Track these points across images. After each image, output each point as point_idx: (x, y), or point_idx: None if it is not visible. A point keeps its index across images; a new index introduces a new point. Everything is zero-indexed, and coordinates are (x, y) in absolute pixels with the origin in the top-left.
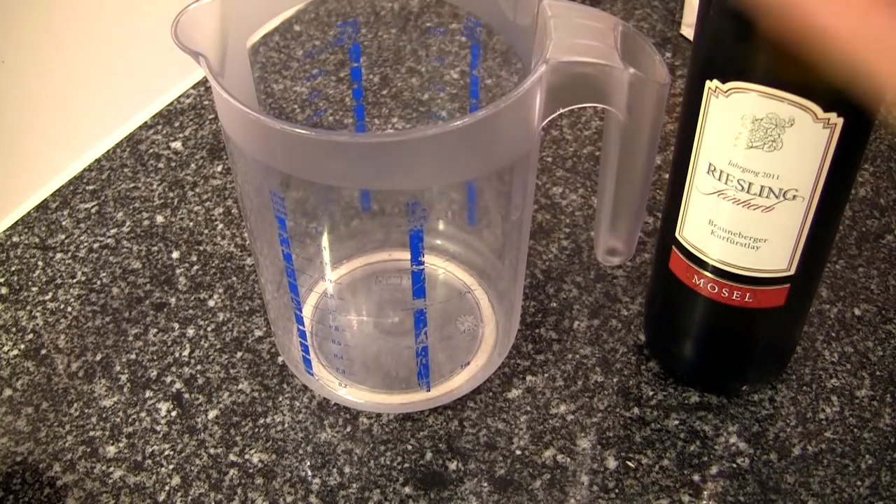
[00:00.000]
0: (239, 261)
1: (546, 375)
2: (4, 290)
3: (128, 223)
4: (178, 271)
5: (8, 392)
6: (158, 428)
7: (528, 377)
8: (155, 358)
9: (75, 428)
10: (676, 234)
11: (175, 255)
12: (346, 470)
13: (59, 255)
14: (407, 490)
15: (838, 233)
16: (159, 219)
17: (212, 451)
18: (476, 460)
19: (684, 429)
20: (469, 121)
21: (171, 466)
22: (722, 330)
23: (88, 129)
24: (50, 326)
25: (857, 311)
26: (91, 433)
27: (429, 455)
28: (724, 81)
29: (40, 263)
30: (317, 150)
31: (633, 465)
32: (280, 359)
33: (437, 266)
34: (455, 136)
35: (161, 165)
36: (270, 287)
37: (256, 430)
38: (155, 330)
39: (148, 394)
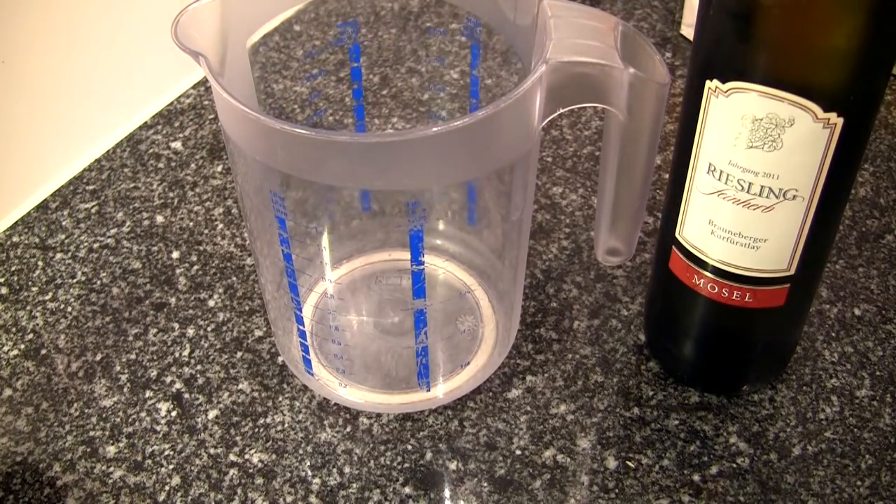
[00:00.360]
0: (239, 261)
1: (546, 375)
2: (4, 290)
3: (128, 223)
4: (178, 271)
5: (8, 392)
6: (158, 428)
7: (528, 377)
8: (155, 358)
9: (75, 428)
10: (676, 234)
11: (175, 255)
12: (346, 470)
13: (59, 255)
14: (407, 490)
15: (838, 233)
16: (159, 219)
17: (212, 451)
18: (476, 460)
19: (684, 429)
20: (469, 121)
21: (171, 466)
22: (722, 330)
23: (88, 129)
24: (50, 326)
25: (857, 311)
26: (91, 433)
27: (429, 455)
28: (724, 81)
29: (40, 263)
30: (317, 150)
31: (633, 465)
32: (280, 359)
33: (437, 266)
34: (455, 136)
35: (161, 165)
36: (270, 287)
37: (256, 430)
38: (155, 330)
39: (148, 394)
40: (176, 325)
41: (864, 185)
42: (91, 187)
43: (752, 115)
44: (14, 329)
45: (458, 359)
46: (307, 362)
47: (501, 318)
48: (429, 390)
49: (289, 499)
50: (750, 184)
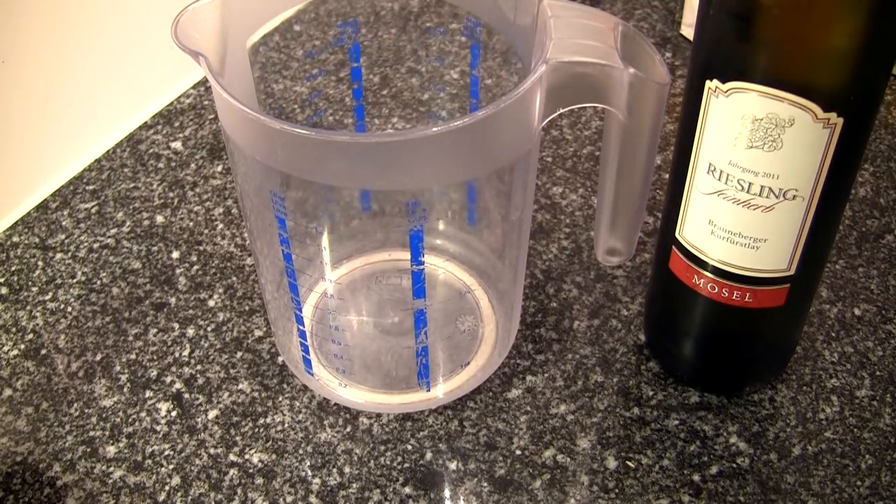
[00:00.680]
0: (239, 261)
1: (546, 375)
2: (4, 290)
3: (128, 223)
4: (178, 271)
5: (8, 392)
6: (158, 428)
7: (528, 377)
8: (155, 358)
9: (75, 428)
10: (676, 234)
11: (175, 255)
12: (346, 470)
13: (59, 255)
14: (407, 490)
15: (838, 233)
16: (159, 219)
17: (212, 451)
18: (476, 460)
19: (684, 429)
20: (469, 121)
21: (171, 466)
22: (722, 330)
23: (88, 129)
24: (50, 326)
25: (857, 311)
26: (91, 433)
27: (429, 455)
28: (724, 81)
29: (40, 263)
30: (317, 150)
31: (633, 465)
32: (280, 359)
33: (437, 266)
34: (455, 136)
35: (161, 165)
36: (270, 287)
37: (256, 430)
38: (155, 330)
39: (148, 394)
40: (176, 325)
41: (864, 185)
42: (91, 187)
43: (752, 115)
44: (14, 329)
45: (458, 359)
46: (307, 362)
47: (501, 318)
48: (429, 390)
49: (289, 499)
50: (750, 184)
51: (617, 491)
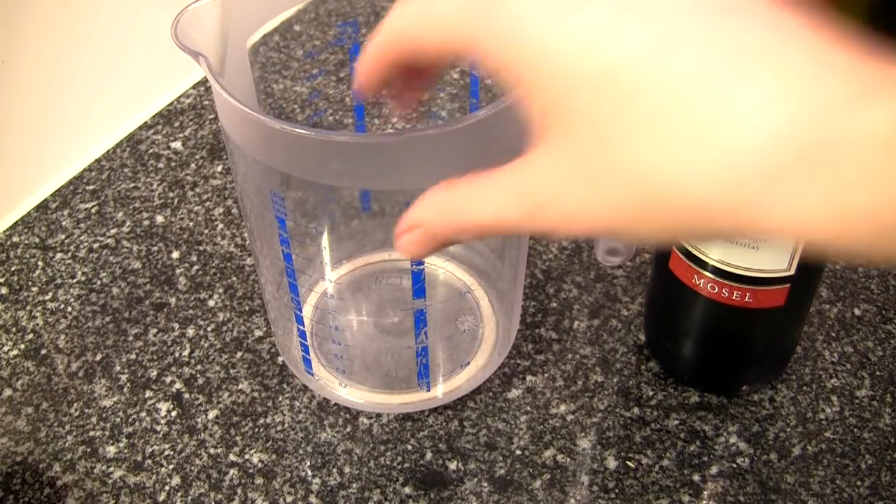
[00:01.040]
0: (239, 261)
1: (546, 375)
2: (4, 290)
3: (128, 223)
4: (178, 271)
5: (8, 392)
6: (158, 428)
7: (528, 377)
8: (155, 358)
9: (75, 428)
10: None
11: (175, 255)
12: (346, 470)
13: (59, 255)
14: (407, 490)
15: None
16: (159, 219)
17: (212, 451)
18: (476, 460)
19: (684, 429)
20: (469, 121)
21: (171, 466)
22: (722, 330)
23: (88, 129)
24: (50, 326)
25: (857, 311)
26: (91, 433)
27: (429, 455)
28: None
29: (40, 263)
30: (317, 150)
31: (633, 465)
32: (280, 359)
33: (437, 266)
34: (455, 136)
35: (161, 165)
36: (270, 287)
37: (256, 430)
38: (155, 330)
39: (148, 394)
40: (176, 325)
41: None
42: (91, 187)
43: None
44: (14, 329)
45: (457, 359)
46: (307, 362)
47: (501, 318)
48: (429, 390)
49: (289, 499)
50: None
51: (617, 491)
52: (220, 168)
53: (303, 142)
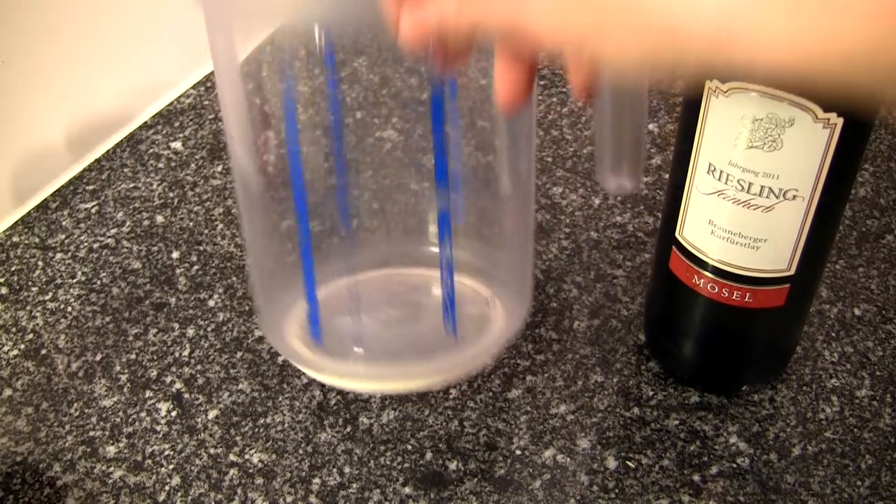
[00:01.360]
0: (239, 261)
1: (546, 375)
2: (4, 290)
3: (128, 223)
4: (178, 271)
5: (8, 392)
6: (158, 428)
7: (528, 377)
8: (155, 358)
9: (75, 428)
10: (676, 234)
11: (175, 255)
12: (346, 470)
13: (59, 255)
14: (407, 490)
15: (838, 233)
16: (159, 219)
17: (212, 451)
18: (476, 460)
19: (684, 429)
20: None
21: (171, 466)
22: (722, 330)
23: (88, 129)
24: (50, 326)
25: (857, 311)
26: (91, 433)
27: (429, 455)
28: (724, 81)
29: (40, 263)
30: None
31: (633, 465)
32: (280, 359)
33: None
34: None
35: (161, 165)
36: (265, 244)
37: (256, 430)
38: (155, 330)
39: (148, 394)
40: (176, 325)
41: (864, 185)
42: (91, 187)
43: (752, 115)
44: (14, 329)
45: (480, 303)
46: (315, 326)
47: (514, 284)
48: (457, 338)
49: (289, 499)
50: (750, 184)
51: (617, 491)
52: (220, 168)
53: None
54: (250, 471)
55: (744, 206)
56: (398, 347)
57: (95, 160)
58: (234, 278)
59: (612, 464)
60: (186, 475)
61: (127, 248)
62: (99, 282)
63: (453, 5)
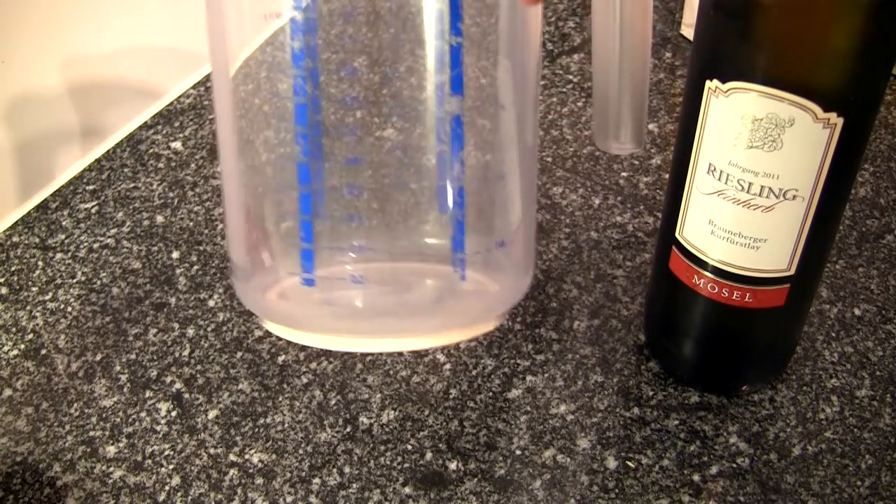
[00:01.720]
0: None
1: (546, 375)
2: (4, 290)
3: (128, 223)
4: (178, 271)
5: (8, 392)
6: (158, 428)
7: (528, 377)
8: (155, 358)
9: (75, 428)
10: (676, 234)
11: (175, 255)
12: (346, 470)
13: (59, 255)
14: (407, 490)
15: (838, 233)
16: (159, 219)
17: (212, 451)
18: (476, 460)
19: (684, 429)
20: None
21: (171, 466)
22: (722, 330)
23: (88, 129)
24: (50, 326)
25: (857, 311)
26: (91, 433)
27: (429, 455)
28: (724, 81)
29: (40, 263)
30: None
31: (633, 465)
32: (280, 358)
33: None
34: None
35: (161, 165)
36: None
37: (256, 430)
38: (155, 330)
39: (148, 394)
40: (176, 325)
41: (864, 185)
42: (91, 187)
43: (752, 115)
44: (14, 329)
45: (493, 235)
46: (307, 256)
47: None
48: (464, 275)
49: (289, 499)
50: (750, 184)
51: (617, 491)
52: (220, 168)
53: None
54: (250, 471)
55: (744, 206)
56: (395, 304)
57: (95, 160)
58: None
59: (612, 464)
60: (186, 475)
61: (127, 248)
62: (99, 282)
63: None
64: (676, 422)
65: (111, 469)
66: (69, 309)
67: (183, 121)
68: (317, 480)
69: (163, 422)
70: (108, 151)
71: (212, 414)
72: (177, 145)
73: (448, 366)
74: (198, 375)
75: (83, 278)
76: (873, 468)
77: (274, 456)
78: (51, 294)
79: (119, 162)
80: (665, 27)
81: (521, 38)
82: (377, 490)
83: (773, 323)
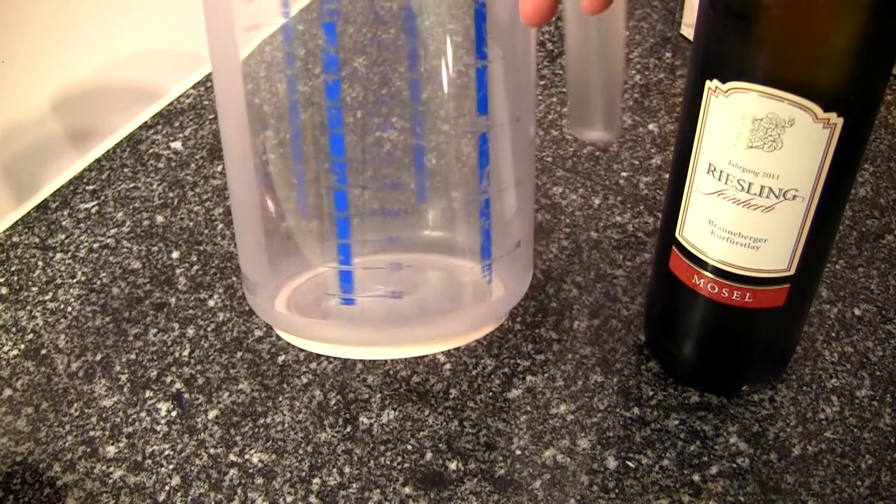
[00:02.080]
0: (239, 261)
1: (546, 375)
2: (4, 290)
3: (128, 223)
4: (178, 271)
5: (8, 392)
6: (158, 428)
7: (528, 377)
8: (155, 358)
9: (75, 428)
10: (676, 234)
11: (175, 255)
12: (346, 470)
13: (59, 255)
14: (407, 490)
15: (838, 233)
16: (159, 219)
17: (212, 451)
18: (476, 460)
19: (684, 429)
20: None
21: (171, 466)
22: (722, 330)
23: (88, 129)
24: (50, 326)
25: (857, 311)
26: (91, 433)
27: (429, 455)
28: (724, 81)
29: (40, 263)
30: None
31: (633, 465)
32: (280, 358)
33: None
34: None
35: (161, 165)
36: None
37: (256, 430)
38: (155, 330)
39: (148, 394)
40: (176, 325)
41: (864, 185)
42: (91, 187)
43: (752, 115)
44: (14, 329)
45: (511, 236)
46: (342, 225)
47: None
48: (490, 280)
49: (289, 499)
50: (750, 184)
51: (617, 491)
52: (220, 168)
53: None
54: (250, 471)
55: (744, 206)
56: (425, 312)
57: (95, 160)
58: (234, 278)
59: (612, 464)
60: (186, 475)
61: (127, 248)
62: (99, 282)
63: None
64: (676, 422)
65: (111, 469)
66: (69, 309)
67: (183, 121)
68: (317, 480)
69: (163, 422)
70: (108, 151)
71: (212, 414)
72: (177, 145)
73: (448, 366)
74: (198, 375)
75: (83, 278)
76: (873, 468)
77: (274, 456)
78: (51, 294)
79: (119, 162)
80: (665, 27)
81: (522, 40)
82: (377, 490)
83: (773, 323)
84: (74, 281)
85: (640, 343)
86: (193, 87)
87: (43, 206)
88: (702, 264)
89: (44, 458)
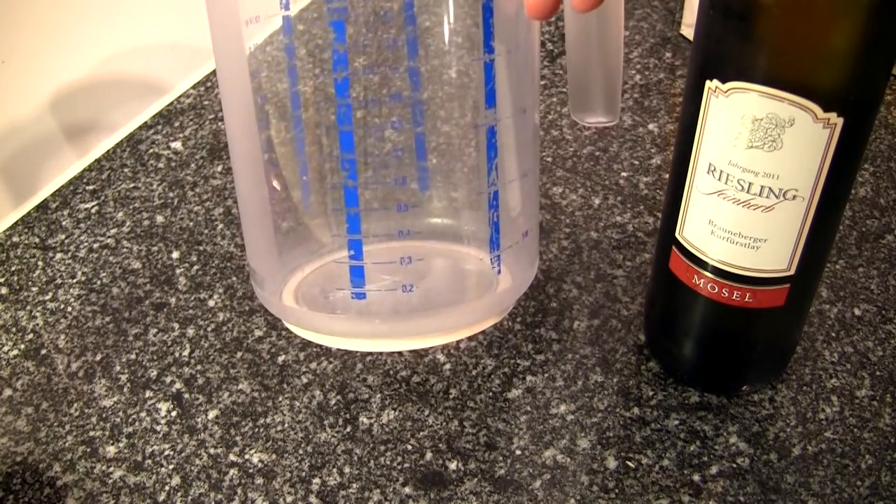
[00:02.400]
0: (239, 261)
1: (546, 375)
2: (4, 290)
3: (128, 223)
4: (178, 271)
5: (8, 392)
6: (158, 428)
7: (528, 377)
8: (155, 358)
9: (75, 428)
10: (676, 234)
11: (175, 255)
12: (346, 470)
13: (59, 255)
14: (407, 490)
15: (838, 233)
16: (159, 219)
17: (212, 451)
18: (476, 460)
19: (684, 429)
20: None
21: (171, 466)
22: (722, 330)
23: (88, 129)
24: (50, 326)
25: (857, 311)
26: (91, 433)
27: (429, 455)
28: (724, 81)
29: (40, 263)
30: None
31: (633, 465)
32: (280, 358)
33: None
34: None
35: (161, 165)
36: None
37: (256, 430)
38: (155, 330)
39: (148, 394)
40: (176, 325)
41: (864, 185)
42: (91, 187)
43: (752, 115)
44: (14, 329)
45: (518, 228)
46: (353, 220)
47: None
48: (499, 271)
49: (289, 499)
50: (750, 184)
51: (617, 491)
52: (220, 168)
53: None
54: (250, 471)
55: (744, 206)
56: (434, 305)
57: (95, 160)
58: (234, 278)
59: (612, 464)
60: (186, 475)
61: (127, 248)
62: (99, 282)
63: None
64: (676, 422)
65: (111, 469)
66: (69, 309)
67: (183, 121)
68: (317, 480)
69: (163, 422)
70: (108, 151)
71: (212, 414)
72: (177, 145)
73: (448, 366)
74: (198, 375)
75: (83, 278)
76: (873, 468)
77: (274, 456)
78: (51, 294)
79: (119, 162)
80: (665, 27)
81: (526, 32)
82: (377, 490)
83: (773, 323)
84: (74, 281)
85: (640, 343)
86: (193, 87)
87: (43, 206)
88: (702, 264)
89: (44, 458)
